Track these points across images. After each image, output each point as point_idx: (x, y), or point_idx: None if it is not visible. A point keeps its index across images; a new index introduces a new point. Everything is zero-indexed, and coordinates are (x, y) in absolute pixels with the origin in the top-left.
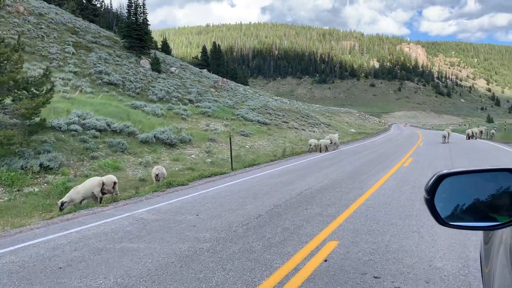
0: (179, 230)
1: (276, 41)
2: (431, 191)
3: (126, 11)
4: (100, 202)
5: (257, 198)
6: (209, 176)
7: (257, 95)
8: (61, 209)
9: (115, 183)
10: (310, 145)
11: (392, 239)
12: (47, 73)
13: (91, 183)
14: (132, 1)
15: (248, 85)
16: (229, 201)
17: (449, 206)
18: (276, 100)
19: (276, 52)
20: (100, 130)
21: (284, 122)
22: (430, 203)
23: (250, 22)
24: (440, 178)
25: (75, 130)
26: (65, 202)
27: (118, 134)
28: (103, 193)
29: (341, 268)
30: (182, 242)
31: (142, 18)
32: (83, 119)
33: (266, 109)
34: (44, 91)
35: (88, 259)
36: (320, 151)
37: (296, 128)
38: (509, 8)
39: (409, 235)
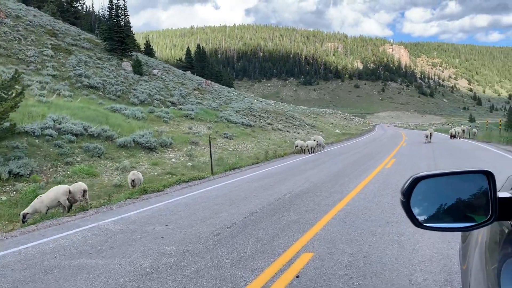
0: (144, 243)
1: (260, 43)
2: (407, 193)
3: (107, 13)
4: (68, 211)
5: (233, 205)
6: (186, 181)
7: (242, 97)
8: (23, 221)
9: (85, 191)
10: (297, 146)
11: (371, 249)
12: (16, 76)
13: (56, 192)
14: (113, 3)
15: (233, 87)
16: (203, 209)
17: (425, 208)
18: (261, 102)
19: (261, 54)
20: (76, 135)
21: (268, 124)
22: (406, 206)
23: (234, 24)
24: (416, 181)
25: (50, 135)
26: (28, 213)
27: (96, 139)
28: (72, 202)
29: (314, 285)
30: (145, 257)
31: (123, 20)
32: (59, 124)
33: (250, 111)
34: (13, 95)
35: (38, 279)
36: (304, 153)
37: (280, 130)
38: (488, 9)
39: (389, 244)
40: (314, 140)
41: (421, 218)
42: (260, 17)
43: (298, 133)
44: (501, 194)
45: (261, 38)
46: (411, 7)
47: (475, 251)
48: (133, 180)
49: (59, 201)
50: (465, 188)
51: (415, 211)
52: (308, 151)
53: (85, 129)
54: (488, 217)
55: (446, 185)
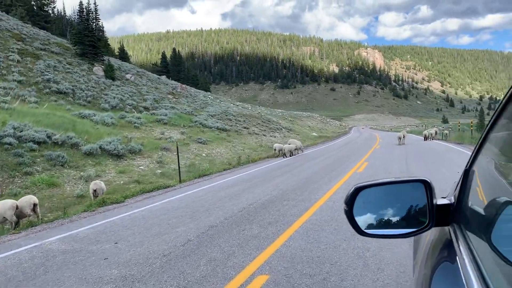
0: (85, 266)
1: (237, 47)
2: (349, 203)
3: (78, 16)
4: (15, 228)
5: (193, 217)
6: (150, 191)
7: (218, 101)
8: None
9: (35, 204)
10: (275, 149)
11: (333, 269)
12: None
13: (1, 207)
14: (84, 7)
15: (210, 91)
16: (160, 223)
17: (368, 217)
18: (237, 106)
19: (238, 58)
20: (39, 143)
21: (244, 128)
22: (349, 215)
23: (211, 28)
24: (358, 190)
25: (9, 144)
26: None
27: (60, 146)
28: (21, 217)
29: None
30: (80, 284)
31: (94, 24)
32: (20, 131)
33: (226, 115)
34: None
35: None
36: (283, 156)
37: (256, 134)
38: (458, 13)
39: (352, 262)
40: (294, 145)
41: (363, 226)
42: (236, 21)
43: (275, 137)
44: (439, 201)
45: (237, 42)
46: (384, 11)
47: (422, 249)
48: (95, 190)
49: (4, 217)
50: (405, 196)
51: (358, 219)
52: (285, 154)
53: (49, 137)
54: (426, 223)
55: (387, 194)
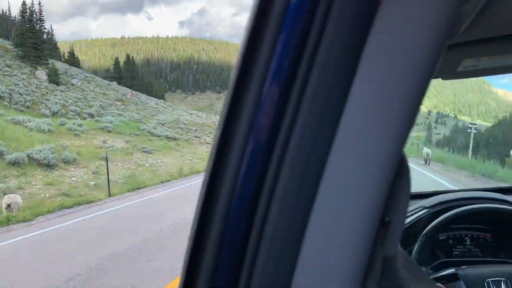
0: None
1: (194, 55)
2: None
3: (20, 17)
4: None
5: (98, 242)
6: (70, 207)
7: (171, 109)
8: None
9: None
10: None
11: None
12: None
13: None
14: (27, 7)
15: (165, 99)
16: (56, 250)
17: None
18: (191, 114)
19: (195, 66)
20: None
21: (195, 137)
22: None
23: (167, 36)
24: None
25: None
26: None
27: None
28: None
29: None
30: None
31: (39, 25)
32: None
33: (177, 124)
34: None
35: None
36: None
37: (208, 143)
38: None
39: None
40: None
41: None
42: (194, 30)
43: None
44: None
45: (195, 50)
46: None
47: None
48: (8, 205)
49: None
50: None
51: None
52: None
53: None
54: None
55: None
